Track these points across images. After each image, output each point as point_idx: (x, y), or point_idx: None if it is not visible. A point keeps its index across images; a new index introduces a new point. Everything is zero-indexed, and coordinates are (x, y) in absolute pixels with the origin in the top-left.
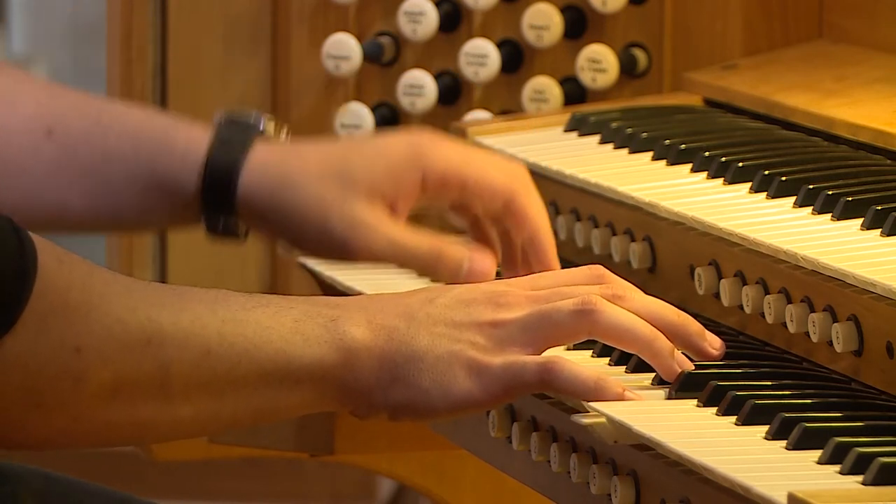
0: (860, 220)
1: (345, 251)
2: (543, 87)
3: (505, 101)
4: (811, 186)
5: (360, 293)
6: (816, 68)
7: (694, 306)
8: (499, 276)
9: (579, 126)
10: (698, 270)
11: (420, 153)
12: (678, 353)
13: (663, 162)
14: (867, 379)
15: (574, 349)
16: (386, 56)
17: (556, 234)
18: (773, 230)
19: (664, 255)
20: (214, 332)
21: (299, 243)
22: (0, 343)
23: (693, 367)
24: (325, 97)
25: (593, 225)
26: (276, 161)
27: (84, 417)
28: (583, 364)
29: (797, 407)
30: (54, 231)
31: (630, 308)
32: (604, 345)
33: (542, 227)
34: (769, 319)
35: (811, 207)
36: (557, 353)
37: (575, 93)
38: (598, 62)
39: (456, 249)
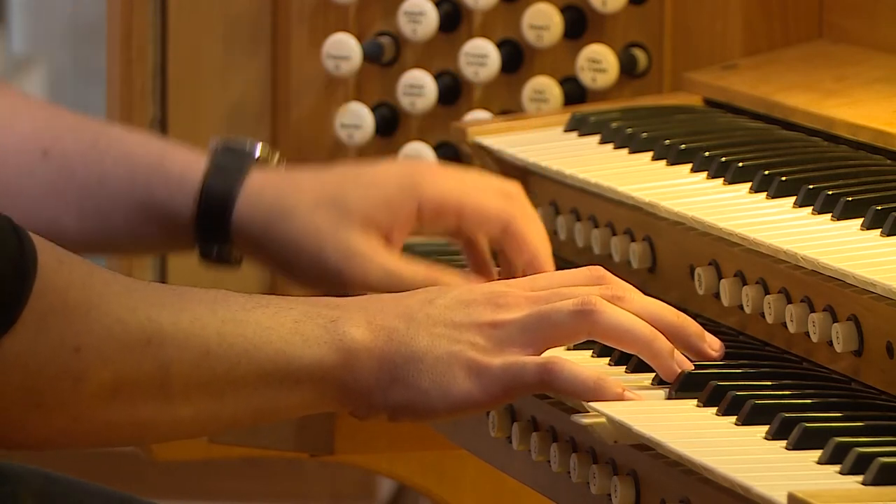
0: (860, 220)
1: (339, 281)
2: (543, 87)
3: (505, 101)
4: (811, 186)
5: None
6: (816, 68)
7: (694, 306)
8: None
9: (579, 126)
10: (698, 270)
11: (416, 183)
12: (678, 354)
13: (663, 162)
14: (867, 379)
15: (574, 349)
16: (386, 56)
17: (556, 234)
18: (773, 230)
19: (664, 255)
20: (214, 332)
21: (293, 272)
22: (0, 343)
23: (693, 368)
24: (325, 97)
25: (593, 225)
26: (271, 190)
27: (84, 417)
28: (583, 364)
29: (797, 407)
30: None
31: (629, 309)
32: (604, 345)
33: (540, 250)
34: (769, 319)
35: (811, 207)
36: (557, 354)
37: (575, 93)
38: (598, 62)
39: (451, 278)
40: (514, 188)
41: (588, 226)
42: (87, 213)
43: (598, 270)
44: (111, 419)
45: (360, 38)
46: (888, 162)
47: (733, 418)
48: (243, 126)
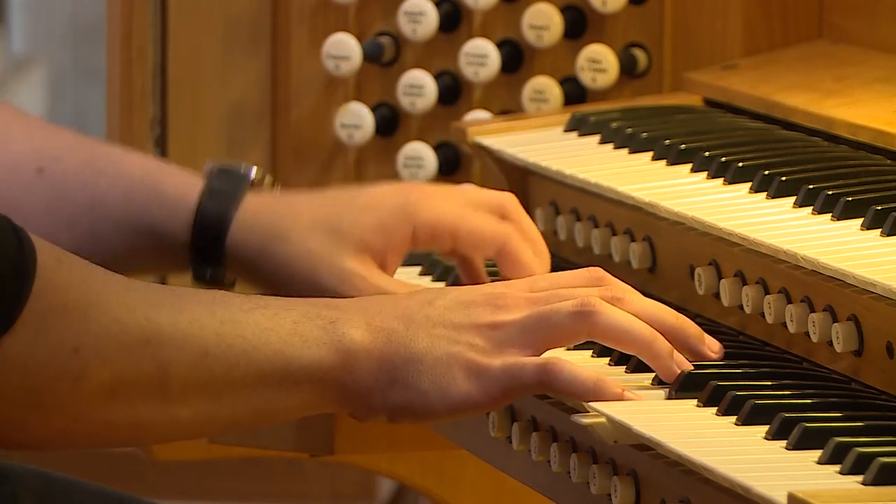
0: (860, 220)
1: None
2: (543, 87)
3: (505, 101)
4: (811, 186)
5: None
6: (816, 68)
7: (694, 306)
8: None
9: (579, 126)
10: (698, 270)
11: (410, 206)
12: (677, 355)
13: (663, 162)
14: (867, 379)
15: (574, 349)
16: (386, 56)
17: (555, 234)
18: (773, 230)
19: (664, 255)
20: (213, 333)
21: (288, 295)
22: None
23: (692, 368)
24: (325, 97)
25: (593, 225)
26: (265, 213)
27: (83, 417)
28: (583, 364)
29: (797, 407)
30: None
31: (629, 310)
32: (603, 345)
33: (535, 270)
34: (769, 319)
35: (811, 207)
36: (557, 354)
37: (575, 93)
38: (598, 62)
39: None
40: (508, 200)
41: (588, 226)
42: (81, 232)
43: (598, 272)
44: (110, 419)
45: (360, 38)
46: (888, 162)
47: (733, 418)
48: (243, 126)
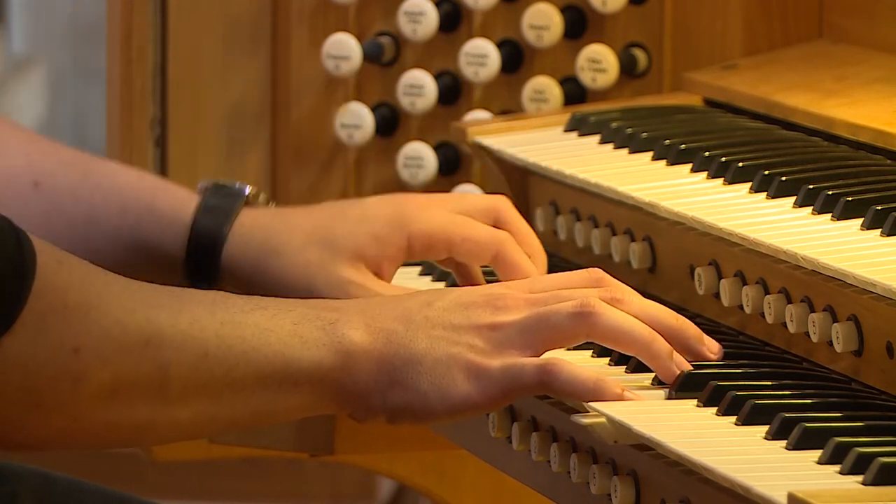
0: (860, 220)
1: None
2: (543, 87)
3: (505, 101)
4: (811, 186)
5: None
6: (816, 68)
7: (694, 306)
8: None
9: (579, 126)
10: (698, 270)
11: (404, 217)
12: (676, 356)
13: (663, 162)
14: (867, 379)
15: (574, 350)
16: (386, 56)
17: (555, 234)
18: (773, 230)
19: (664, 255)
20: (212, 334)
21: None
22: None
23: (691, 369)
24: (325, 97)
25: (593, 225)
26: (260, 229)
27: (83, 418)
28: (583, 364)
29: (797, 407)
30: None
31: (628, 311)
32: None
33: (532, 273)
34: (769, 319)
35: (811, 207)
36: (556, 355)
37: (575, 93)
38: (598, 62)
39: None
40: (501, 204)
41: (588, 226)
42: (76, 246)
43: (597, 273)
44: (110, 420)
45: (360, 38)
46: (888, 162)
47: (733, 418)
48: (243, 126)
